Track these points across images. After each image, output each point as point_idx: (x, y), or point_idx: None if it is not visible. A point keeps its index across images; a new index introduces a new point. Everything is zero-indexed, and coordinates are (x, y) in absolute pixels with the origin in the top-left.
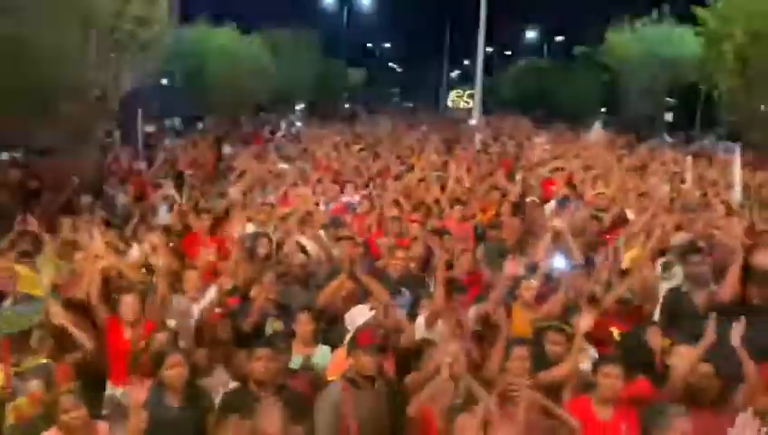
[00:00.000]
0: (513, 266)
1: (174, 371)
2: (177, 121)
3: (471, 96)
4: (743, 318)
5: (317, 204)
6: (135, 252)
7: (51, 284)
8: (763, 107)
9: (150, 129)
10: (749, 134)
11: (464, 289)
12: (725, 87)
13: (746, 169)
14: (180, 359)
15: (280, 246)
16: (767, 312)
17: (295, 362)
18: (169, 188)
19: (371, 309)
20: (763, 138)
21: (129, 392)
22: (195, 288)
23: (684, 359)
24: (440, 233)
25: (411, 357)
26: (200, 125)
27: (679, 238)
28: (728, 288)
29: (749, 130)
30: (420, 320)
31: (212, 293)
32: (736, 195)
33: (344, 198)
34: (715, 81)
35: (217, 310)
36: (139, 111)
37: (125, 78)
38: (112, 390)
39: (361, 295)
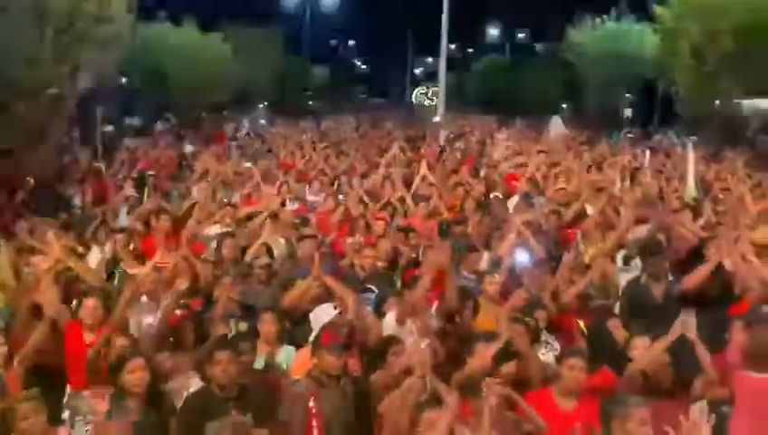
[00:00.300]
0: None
1: (134, 375)
2: (136, 121)
3: (435, 93)
4: (695, 310)
5: (283, 203)
6: (95, 255)
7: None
8: (718, 103)
9: (110, 128)
10: (705, 129)
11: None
12: (682, 83)
13: (701, 164)
14: (141, 363)
15: (247, 246)
16: (720, 303)
17: (259, 362)
18: (130, 189)
19: (336, 308)
20: (719, 133)
21: (91, 402)
22: (157, 291)
23: (641, 351)
24: (406, 230)
25: (378, 355)
26: (159, 125)
27: (638, 232)
28: (691, 284)
29: (705, 126)
30: (390, 317)
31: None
32: (690, 189)
33: (309, 198)
34: (672, 77)
35: (179, 312)
36: (98, 110)
37: (83, 76)
38: (72, 395)
39: (326, 295)
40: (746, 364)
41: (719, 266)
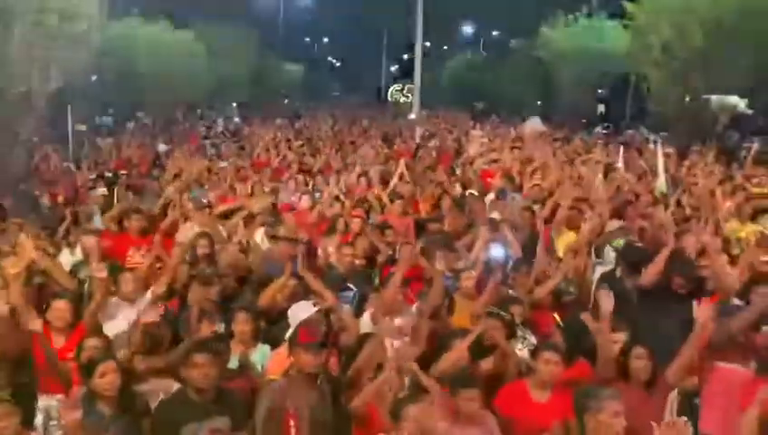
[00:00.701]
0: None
1: (106, 378)
2: (108, 120)
3: (411, 91)
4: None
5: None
6: (66, 256)
7: None
8: (688, 98)
9: (81, 127)
10: (675, 125)
11: (406, 283)
12: (653, 79)
13: (671, 159)
14: (113, 366)
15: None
16: (689, 295)
17: (233, 362)
18: (102, 189)
19: (314, 305)
20: (688, 129)
21: (62, 411)
22: (131, 291)
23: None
24: (382, 228)
25: (356, 353)
26: (131, 124)
27: (612, 226)
28: (651, 274)
29: (675, 122)
30: (367, 316)
31: (148, 296)
32: (661, 184)
33: (282, 196)
34: (643, 73)
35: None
36: (69, 108)
37: (52, 75)
38: (44, 400)
39: (304, 293)
40: (714, 355)
41: (688, 261)
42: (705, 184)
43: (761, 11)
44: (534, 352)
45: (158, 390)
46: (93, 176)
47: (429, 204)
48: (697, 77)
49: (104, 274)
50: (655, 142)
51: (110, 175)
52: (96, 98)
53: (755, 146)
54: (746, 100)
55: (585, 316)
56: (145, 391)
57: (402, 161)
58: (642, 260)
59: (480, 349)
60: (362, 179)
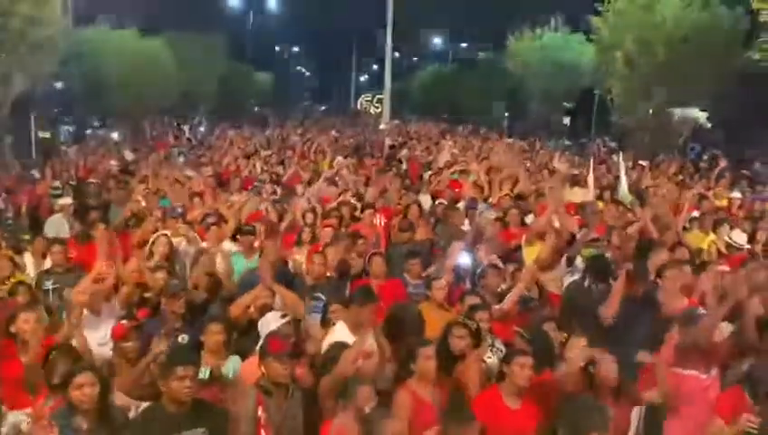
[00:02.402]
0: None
1: (83, 391)
2: (74, 127)
3: (380, 101)
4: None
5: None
6: (29, 266)
7: None
8: (651, 111)
9: (45, 134)
10: (638, 136)
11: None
12: (617, 92)
13: (635, 170)
14: (90, 378)
15: (196, 258)
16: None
17: (204, 373)
18: (67, 198)
19: (283, 316)
20: (651, 141)
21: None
22: (99, 301)
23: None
24: (353, 237)
25: (328, 363)
26: (97, 131)
27: (580, 236)
28: (611, 308)
29: (639, 133)
30: (341, 326)
31: (116, 307)
32: (624, 195)
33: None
34: (607, 86)
35: (124, 323)
36: (32, 115)
37: (15, 80)
38: (8, 415)
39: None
40: (678, 362)
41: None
42: (670, 195)
43: (721, 26)
44: (507, 358)
45: (131, 403)
46: (58, 184)
47: (400, 213)
48: (660, 91)
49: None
50: (616, 153)
51: (75, 184)
52: (62, 104)
53: (723, 163)
54: (706, 113)
55: (549, 326)
56: (122, 403)
57: (374, 169)
58: (609, 270)
59: (448, 356)
60: (333, 188)
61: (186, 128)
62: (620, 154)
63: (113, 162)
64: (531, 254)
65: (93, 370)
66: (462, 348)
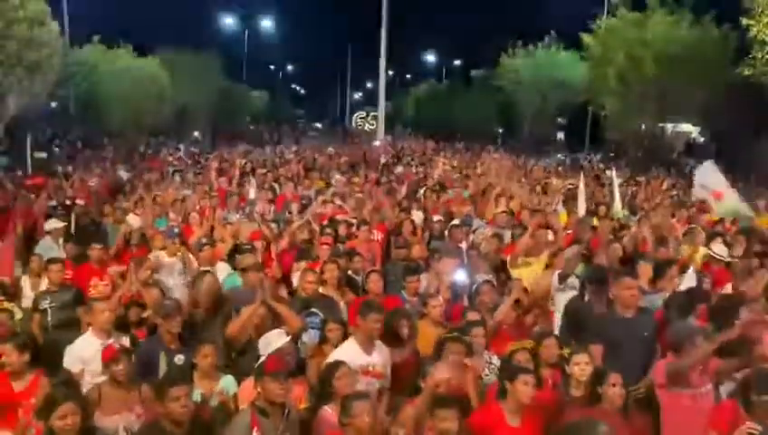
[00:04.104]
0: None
1: (66, 421)
2: (69, 147)
3: (374, 118)
4: None
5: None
6: (26, 286)
7: None
8: (644, 126)
9: (41, 154)
10: (631, 151)
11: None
12: (609, 108)
13: (629, 185)
14: (73, 408)
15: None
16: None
17: (195, 395)
18: (56, 221)
19: (287, 334)
20: (644, 155)
21: None
22: (107, 325)
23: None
24: (350, 254)
25: (323, 381)
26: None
27: (571, 251)
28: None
29: (632, 149)
30: (351, 343)
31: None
32: (617, 210)
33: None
34: (600, 102)
35: (114, 344)
36: (28, 135)
37: (11, 101)
38: None
39: (273, 321)
40: (669, 382)
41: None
42: (663, 209)
43: (710, 43)
44: (511, 376)
45: (120, 424)
46: (54, 204)
47: (396, 229)
48: (652, 106)
49: None
50: (609, 167)
51: (69, 204)
52: (57, 125)
53: None
54: (699, 128)
55: (549, 342)
56: (106, 426)
57: (368, 186)
58: (606, 279)
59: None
60: (330, 206)
61: (181, 146)
62: (613, 170)
63: (93, 182)
64: (525, 270)
65: (76, 398)
66: (458, 363)
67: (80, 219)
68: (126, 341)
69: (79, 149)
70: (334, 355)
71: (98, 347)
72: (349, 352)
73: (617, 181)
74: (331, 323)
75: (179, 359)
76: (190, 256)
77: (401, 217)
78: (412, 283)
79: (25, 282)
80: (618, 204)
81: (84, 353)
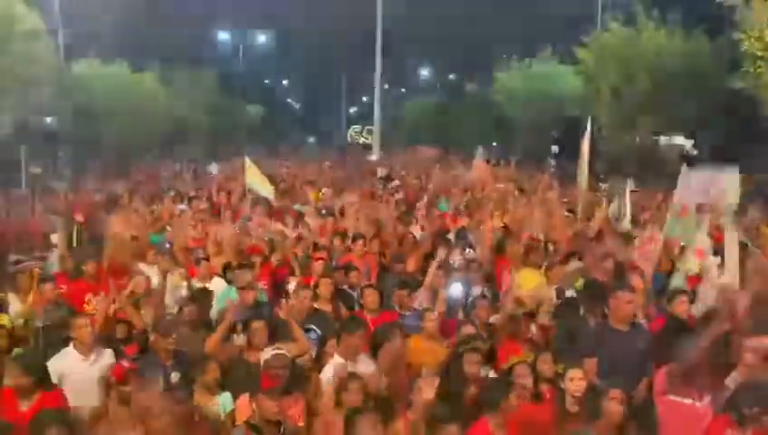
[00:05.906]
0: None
1: None
2: (66, 162)
3: (370, 132)
4: None
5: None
6: (16, 303)
7: None
8: (638, 139)
9: (37, 170)
10: (625, 165)
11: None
12: (603, 121)
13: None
14: (63, 432)
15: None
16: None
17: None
18: (57, 235)
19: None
20: (640, 168)
21: None
22: (88, 340)
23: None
24: (345, 269)
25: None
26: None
27: (572, 266)
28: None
29: (626, 162)
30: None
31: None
32: (626, 225)
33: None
34: (594, 115)
35: (124, 364)
36: (23, 151)
37: (6, 117)
38: None
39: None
40: (673, 390)
41: None
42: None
43: (703, 56)
44: (506, 392)
45: None
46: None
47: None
48: (646, 120)
49: None
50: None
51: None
52: (53, 140)
53: None
54: (692, 141)
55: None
56: None
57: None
58: (604, 295)
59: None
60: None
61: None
62: (628, 181)
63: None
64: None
65: (63, 422)
66: (474, 373)
67: (79, 235)
68: (109, 355)
69: (74, 165)
70: (325, 373)
71: (79, 361)
72: (335, 366)
73: (628, 198)
74: (331, 339)
75: (175, 376)
76: (184, 271)
77: (400, 230)
78: (400, 296)
79: (12, 299)
80: (627, 216)
81: (64, 367)
